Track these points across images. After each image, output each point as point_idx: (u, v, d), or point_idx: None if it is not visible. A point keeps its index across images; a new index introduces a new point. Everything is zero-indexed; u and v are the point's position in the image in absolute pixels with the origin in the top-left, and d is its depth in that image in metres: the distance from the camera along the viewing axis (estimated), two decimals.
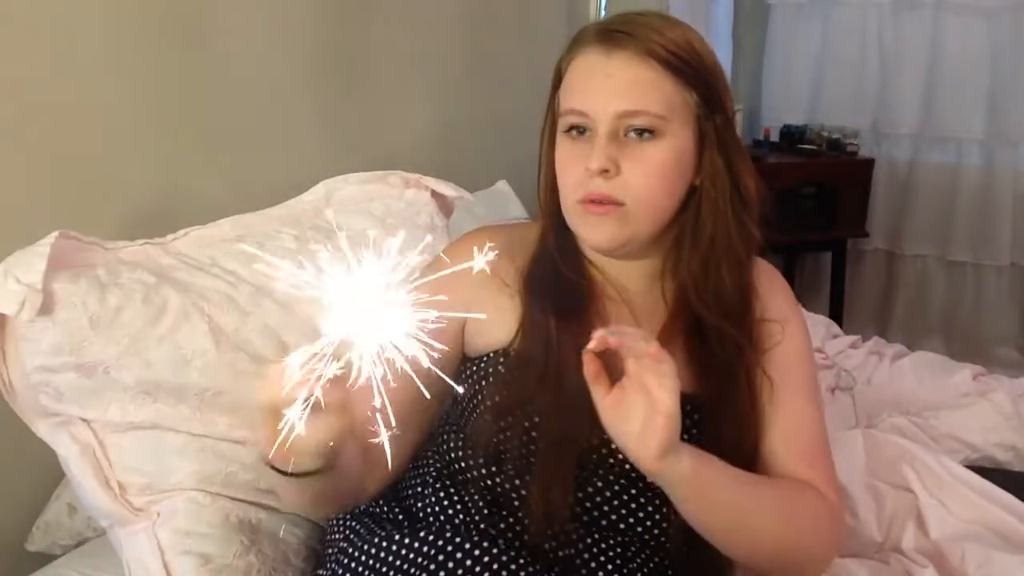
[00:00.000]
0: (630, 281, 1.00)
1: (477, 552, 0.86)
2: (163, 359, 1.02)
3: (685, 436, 0.83)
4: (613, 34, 0.92)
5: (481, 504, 0.92)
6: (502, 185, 2.11)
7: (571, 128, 0.94)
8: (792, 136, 3.14)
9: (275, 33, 1.53)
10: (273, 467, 0.75)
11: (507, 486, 0.92)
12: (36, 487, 1.20)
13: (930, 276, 3.28)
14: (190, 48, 1.36)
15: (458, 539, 0.87)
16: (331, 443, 0.70)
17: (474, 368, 0.98)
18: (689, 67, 0.91)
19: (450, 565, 0.85)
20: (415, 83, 1.92)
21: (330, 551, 0.99)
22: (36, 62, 1.15)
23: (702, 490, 0.84)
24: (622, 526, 0.93)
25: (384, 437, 0.61)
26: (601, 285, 0.99)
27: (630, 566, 0.91)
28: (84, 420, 1.00)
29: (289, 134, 1.57)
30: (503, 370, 0.95)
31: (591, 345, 0.78)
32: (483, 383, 0.96)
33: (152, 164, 1.31)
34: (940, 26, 3.08)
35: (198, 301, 1.06)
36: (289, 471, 0.74)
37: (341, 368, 0.62)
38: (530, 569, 0.85)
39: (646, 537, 0.93)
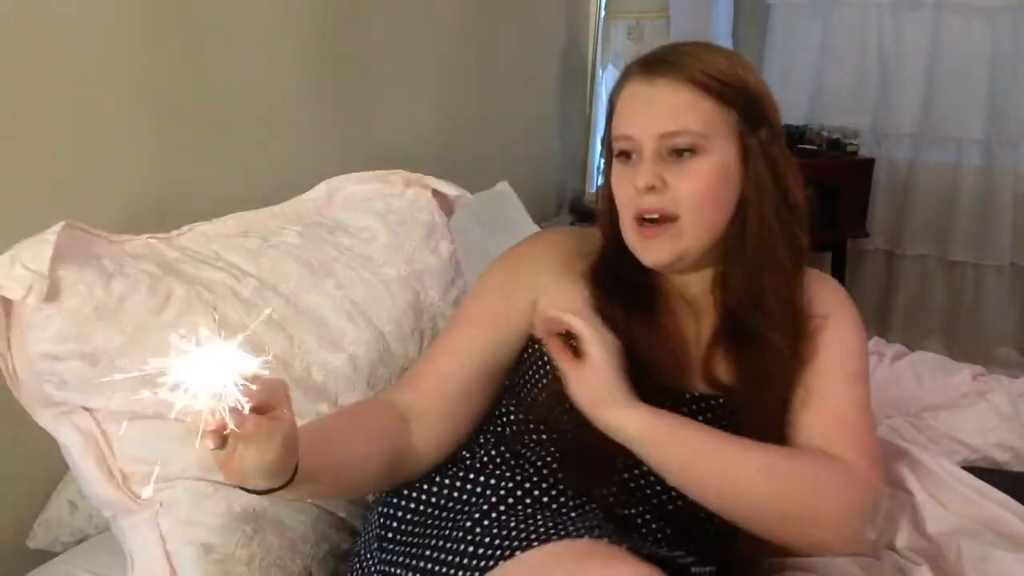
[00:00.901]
0: (688, 288, 1.06)
1: (537, 492, 0.94)
2: (167, 347, 1.02)
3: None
4: (655, 63, 1.00)
5: (535, 457, 1.00)
6: (503, 186, 2.11)
7: (621, 153, 1.01)
8: (792, 136, 3.14)
9: (278, 33, 1.53)
10: (238, 487, 0.80)
11: (561, 446, 1.00)
12: (37, 484, 1.20)
13: (930, 276, 3.28)
14: (192, 46, 1.36)
15: (530, 477, 0.95)
16: (268, 467, 0.74)
17: (541, 345, 1.02)
18: (727, 87, 0.98)
19: (510, 501, 0.92)
20: (417, 83, 1.93)
21: (392, 499, 1.01)
22: (37, 60, 1.15)
23: (657, 443, 0.92)
24: (671, 508, 0.99)
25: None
26: (664, 286, 1.06)
27: (687, 545, 0.96)
28: (87, 409, 1.00)
29: (290, 134, 1.58)
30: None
31: (537, 333, 0.94)
32: (547, 359, 1.01)
33: (154, 163, 1.31)
34: (940, 26, 3.09)
35: (203, 292, 1.07)
36: (251, 490, 0.79)
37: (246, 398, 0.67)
38: (594, 506, 0.93)
39: (696, 520, 0.99)
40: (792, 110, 3.32)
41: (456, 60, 2.07)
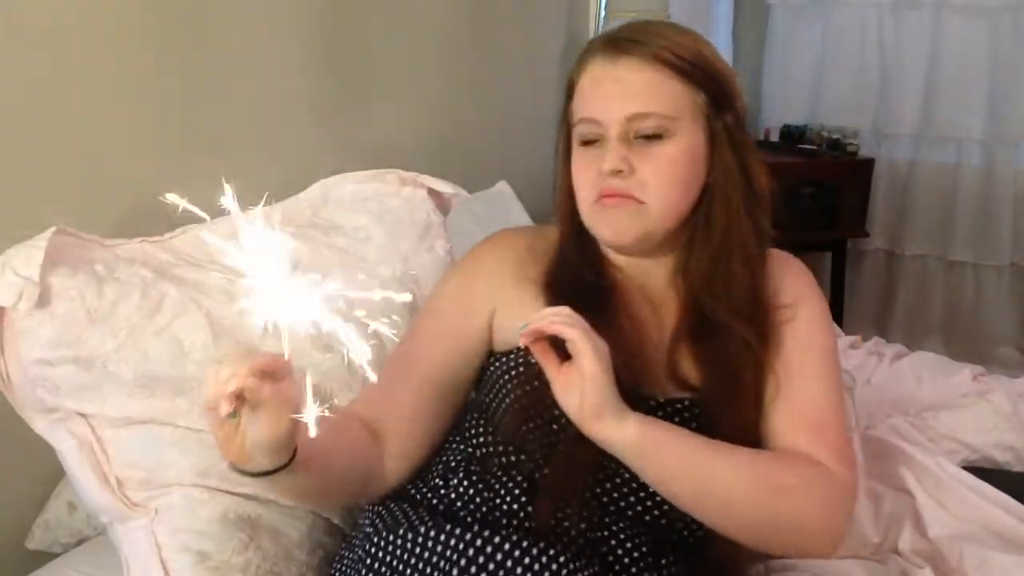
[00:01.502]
0: (648, 279, 1.02)
1: (498, 540, 0.86)
2: (161, 351, 1.02)
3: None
4: (620, 42, 0.96)
5: (503, 489, 0.94)
6: (502, 186, 2.11)
7: (584, 141, 0.97)
8: (792, 136, 3.14)
9: (275, 33, 1.53)
10: (236, 469, 0.77)
11: (530, 469, 0.94)
12: (36, 485, 1.20)
13: (930, 276, 3.28)
14: (189, 47, 1.36)
15: (486, 531, 0.87)
16: (277, 439, 0.73)
17: (502, 361, 1.00)
18: (696, 69, 0.95)
19: (470, 553, 0.85)
20: (416, 83, 1.93)
21: (357, 535, 0.99)
22: (34, 61, 1.15)
23: (653, 455, 0.87)
24: (647, 518, 0.94)
25: (312, 417, 0.64)
26: (622, 284, 1.02)
27: (659, 558, 0.92)
28: (82, 415, 1.00)
29: (288, 135, 1.57)
30: (530, 364, 0.96)
31: (520, 343, 0.85)
32: (509, 376, 0.99)
33: (149, 164, 1.31)
34: (940, 26, 3.08)
35: (196, 295, 1.06)
36: (249, 471, 0.76)
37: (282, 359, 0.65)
38: (554, 555, 0.85)
39: (672, 531, 0.95)
40: (792, 110, 3.32)
41: (456, 60, 2.07)
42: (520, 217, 2.06)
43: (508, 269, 1.03)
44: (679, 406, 0.96)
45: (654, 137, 0.93)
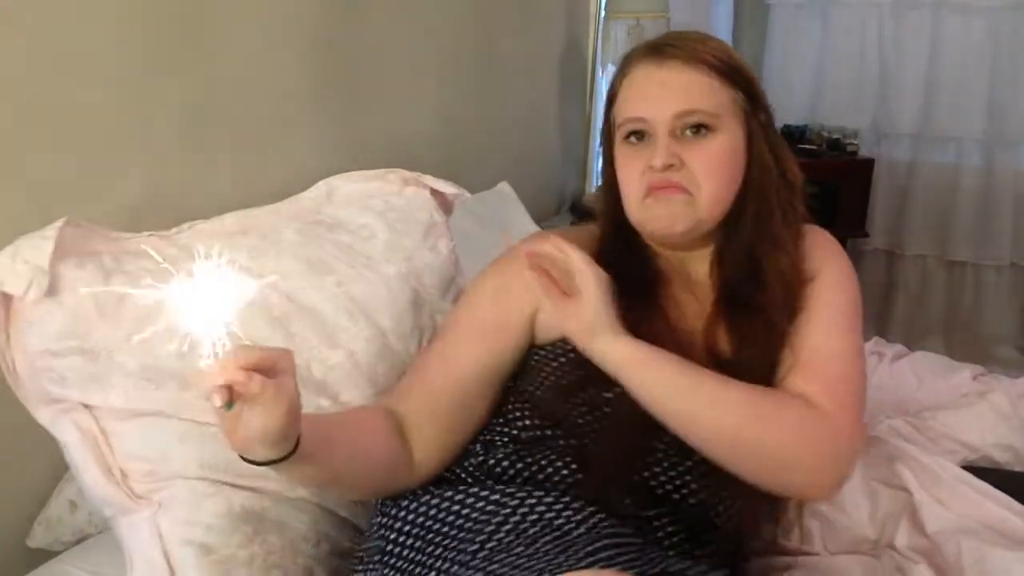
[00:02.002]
0: (688, 268, 1.08)
1: (550, 500, 0.92)
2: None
3: None
4: (661, 47, 1.02)
5: (551, 468, 0.98)
6: (504, 186, 2.11)
7: (630, 135, 1.02)
8: (792, 136, 3.15)
9: (277, 32, 1.53)
10: (242, 457, 0.78)
11: (577, 448, 0.99)
12: (37, 483, 1.20)
13: (930, 276, 3.28)
14: (192, 46, 1.36)
15: (537, 492, 0.93)
16: (270, 432, 0.74)
17: (547, 350, 1.04)
18: (733, 70, 1.01)
19: (515, 519, 0.91)
20: (417, 84, 1.93)
21: (392, 511, 1.00)
22: (36, 59, 1.15)
23: (644, 370, 0.94)
24: (684, 507, 0.99)
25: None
26: (664, 273, 1.07)
27: (696, 544, 0.98)
28: (86, 406, 1.00)
29: (290, 135, 1.58)
30: (576, 351, 0.99)
31: (527, 266, 0.95)
32: (557, 363, 1.03)
33: (153, 163, 1.31)
34: (940, 26, 3.09)
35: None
36: (254, 460, 0.78)
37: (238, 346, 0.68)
38: (604, 516, 0.92)
39: (705, 517, 1.00)
40: (792, 110, 3.32)
41: (456, 60, 2.07)
42: (521, 218, 2.07)
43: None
44: None
45: (700, 131, 0.99)
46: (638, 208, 1.02)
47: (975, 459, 1.42)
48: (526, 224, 2.05)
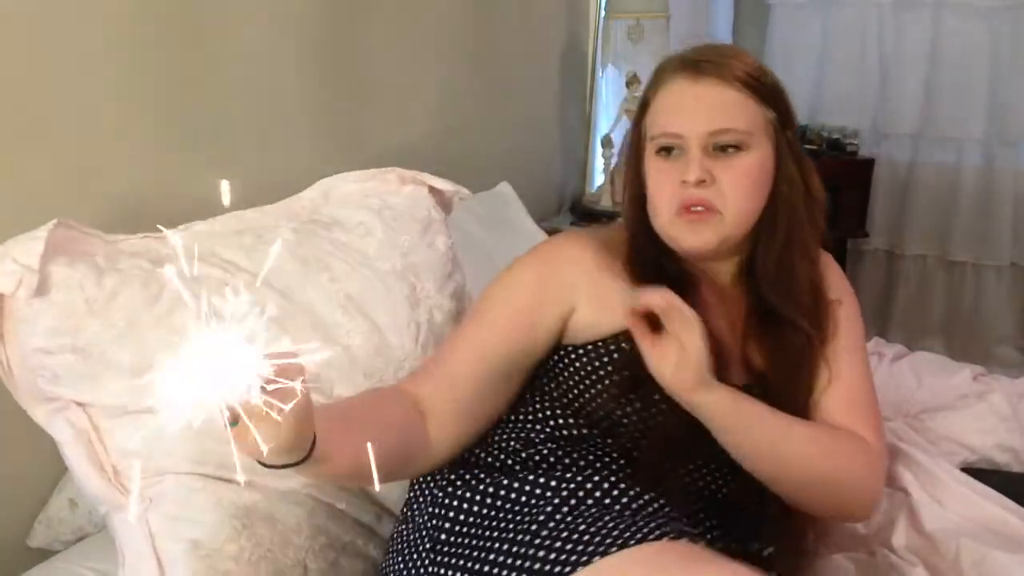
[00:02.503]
0: (716, 277, 1.11)
1: (599, 493, 0.95)
2: (159, 341, 1.02)
3: None
4: (697, 63, 1.04)
5: (599, 464, 1.00)
6: (503, 186, 2.11)
7: (662, 149, 1.04)
8: None
9: (276, 31, 1.53)
10: (259, 462, 0.77)
11: (626, 448, 1.02)
12: (37, 483, 1.20)
13: (930, 276, 3.28)
14: (190, 46, 1.36)
15: (595, 476, 0.96)
16: (280, 444, 0.72)
17: (587, 349, 1.05)
18: (767, 89, 1.04)
19: (572, 502, 0.93)
20: (416, 84, 1.93)
21: (420, 500, 1.02)
22: (32, 58, 1.15)
23: (737, 420, 0.97)
24: (719, 498, 1.04)
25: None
26: (694, 279, 1.09)
27: (731, 537, 1.01)
28: (80, 404, 1.00)
29: (288, 134, 1.58)
30: (626, 350, 1.01)
31: (627, 322, 0.94)
32: (601, 363, 1.04)
33: (150, 163, 1.31)
34: (940, 26, 3.08)
35: (196, 287, 1.06)
36: (270, 465, 0.76)
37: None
38: (652, 498, 0.95)
39: (741, 511, 1.04)
40: None
41: (456, 60, 2.07)
42: (520, 217, 2.07)
43: (589, 257, 1.07)
44: (750, 392, 1.03)
45: (732, 149, 1.01)
46: (670, 224, 1.04)
47: (975, 460, 1.42)
48: (526, 224, 2.05)
